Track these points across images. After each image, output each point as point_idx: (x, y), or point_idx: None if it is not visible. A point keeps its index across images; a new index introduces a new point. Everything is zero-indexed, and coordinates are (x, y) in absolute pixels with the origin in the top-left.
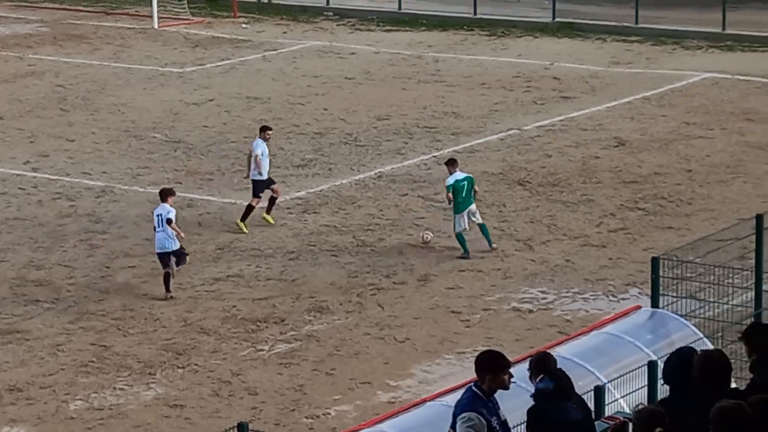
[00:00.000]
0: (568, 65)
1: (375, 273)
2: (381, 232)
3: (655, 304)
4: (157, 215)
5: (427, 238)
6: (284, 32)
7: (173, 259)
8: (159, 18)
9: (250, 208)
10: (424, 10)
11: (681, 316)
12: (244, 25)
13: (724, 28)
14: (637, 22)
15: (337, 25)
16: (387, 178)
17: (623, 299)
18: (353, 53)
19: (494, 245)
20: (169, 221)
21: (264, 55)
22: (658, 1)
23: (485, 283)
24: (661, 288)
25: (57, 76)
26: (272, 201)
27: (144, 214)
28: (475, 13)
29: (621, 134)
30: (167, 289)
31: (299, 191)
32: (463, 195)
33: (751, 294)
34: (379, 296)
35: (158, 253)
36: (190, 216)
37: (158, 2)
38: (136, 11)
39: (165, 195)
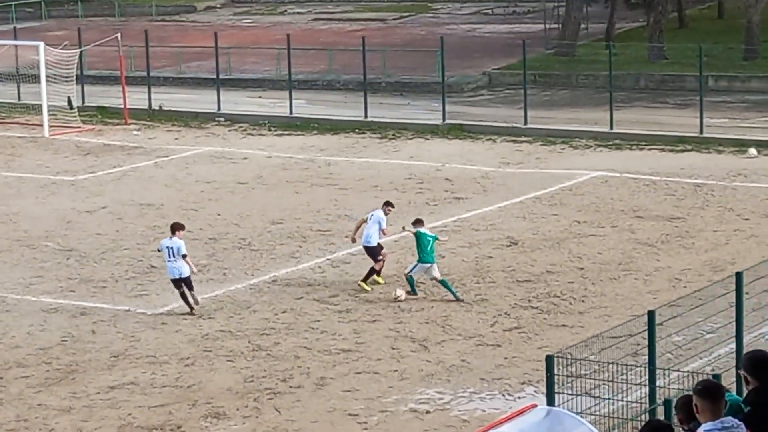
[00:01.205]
0: (459, 166)
1: (271, 377)
2: (276, 336)
3: (550, 402)
4: (168, 247)
5: (400, 296)
6: (176, 138)
7: (184, 286)
8: (50, 126)
9: (372, 271)
10: (316, 114)
11: (577, 413)
12: (135, 132)
13: (611, 127)
14: (526, 123)
15: (229, 130)
16: (282, 282)
17: (519, 398)
18: (246, 158)
19: (460, 297)
20: (184, 256)
21: (156, 162)
22: (547, 101)
23: (382, 384)
24: (556, 386)
25: None
26: (372, 271)
27: (37, 324)
28: (366, 116)
29: (513, 234)
30: (190, 306)
31: None
32: (428, 249)
33: (646, 390)
34: (276, 401)
35: (172, 279)
36: (83, 324)
37: (48, 111)
38: (27, 120)
39: (175, 229)
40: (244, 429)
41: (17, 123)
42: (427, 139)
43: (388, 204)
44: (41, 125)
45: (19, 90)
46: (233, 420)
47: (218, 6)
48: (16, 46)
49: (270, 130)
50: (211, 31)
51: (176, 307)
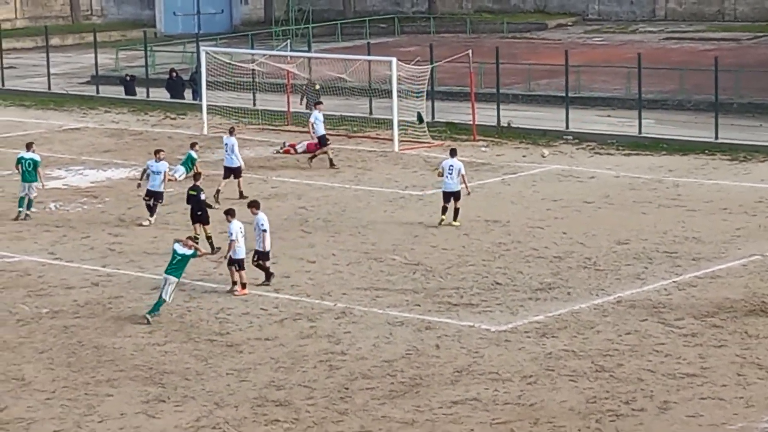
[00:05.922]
0: None
1: (614, 399)
2: (620, 358)
3: None
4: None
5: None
6: (523, 156)
7: None
8: (399, 141)
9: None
10: (665, 134)
11: None
12: (483, 149)
13: None
14: None
15: (577, 148)
16: (626, 303)
17: None
18: (593, 177)
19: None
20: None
21: (503, 179)
22: None
23: (727, 411)
24: None
25: (299, 198)
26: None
27: (383, 336)
28: (716, 138)
29: None
30: None
31: (537, 315)
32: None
33: None
34: (618, 423)
35: None
36: (428, 338)
37: (399, 125)
38: (377, 134)
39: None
40: None
41: (368, 137)
42: None
43: None
44: (391, 140)
45: (371, 104)
46: None
47: (569, 24)
48: (369, 61)
49: (618, 149)
50: (562, 49)
51: (520, 324)
